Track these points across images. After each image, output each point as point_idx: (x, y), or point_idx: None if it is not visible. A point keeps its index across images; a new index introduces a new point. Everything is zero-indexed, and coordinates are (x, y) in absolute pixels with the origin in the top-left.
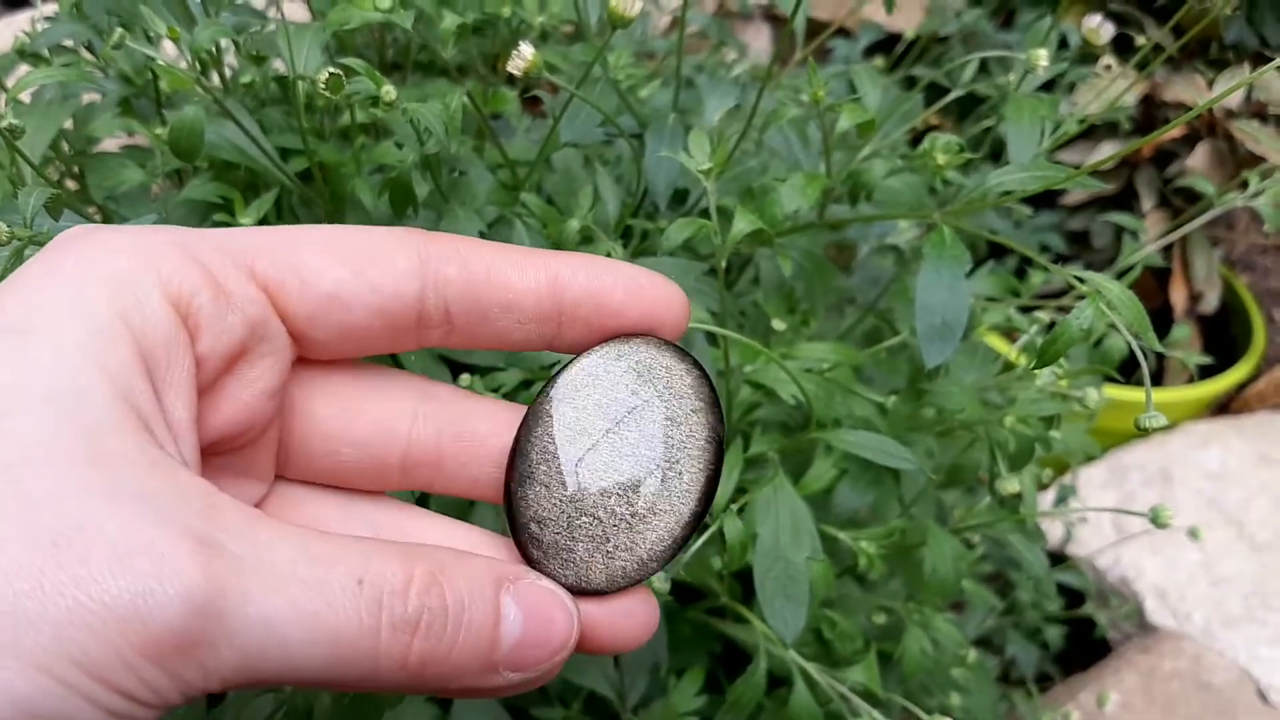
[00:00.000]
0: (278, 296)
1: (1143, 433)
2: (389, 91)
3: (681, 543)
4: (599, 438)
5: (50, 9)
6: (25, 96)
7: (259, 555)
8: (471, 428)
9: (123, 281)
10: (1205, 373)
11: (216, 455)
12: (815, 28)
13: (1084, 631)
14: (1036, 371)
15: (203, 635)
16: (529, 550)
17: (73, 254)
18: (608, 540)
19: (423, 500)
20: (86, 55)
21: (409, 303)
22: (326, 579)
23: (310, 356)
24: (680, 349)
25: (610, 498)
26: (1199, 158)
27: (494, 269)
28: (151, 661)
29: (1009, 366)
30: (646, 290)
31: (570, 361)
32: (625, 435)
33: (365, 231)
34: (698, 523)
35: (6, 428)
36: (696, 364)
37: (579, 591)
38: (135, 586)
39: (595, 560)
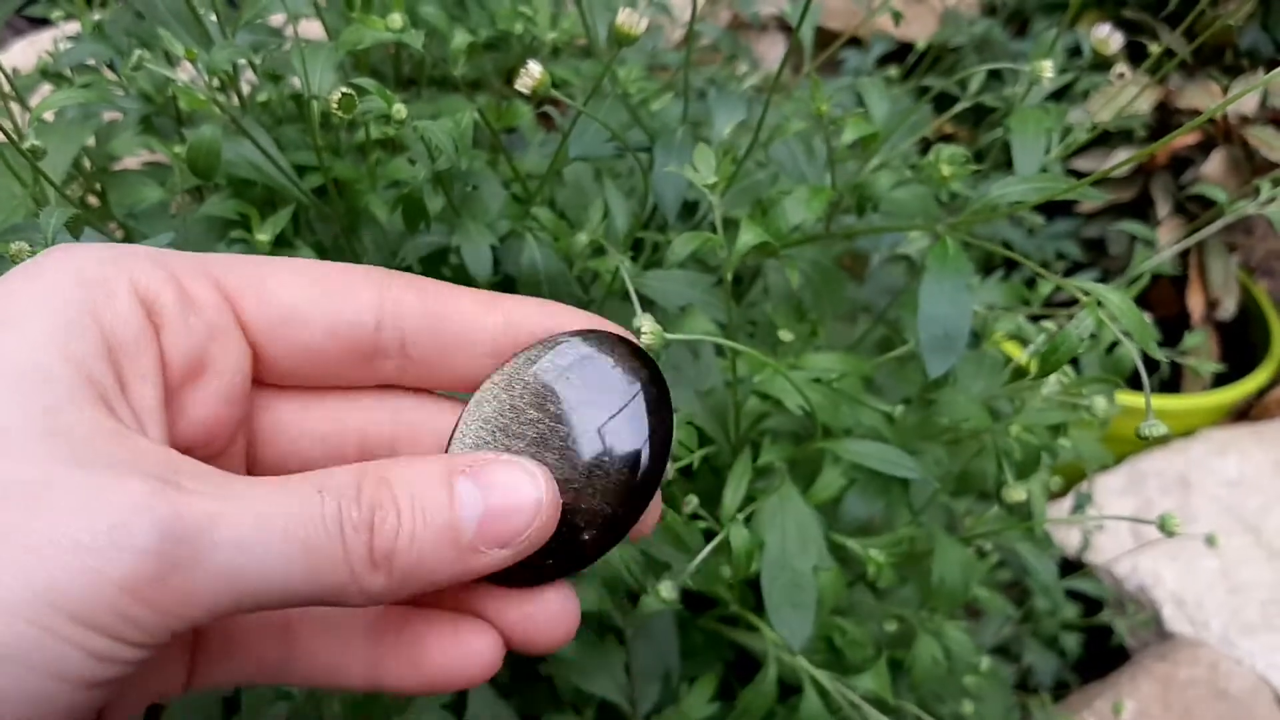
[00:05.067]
0: (238, 305)
1: (1144, 441)
2: (399, 110)
3: (612, 543)
4: (527, 433)
5: (72, 28)
6: (48, 116)
7: (222, 490)
8: (423, 419)
9: (94, 281)
10: (1223, 379)
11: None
12: (827, 38)
13: (1101, 639)
14: (1043, 380)
15: (177, 562)
16: None
17: (51, 261)
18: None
19: None
20: (108, 74)
21: (367, 329)
22: (289, 496)
23: (267, 376)
24: (604, 336)
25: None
26: (1214, 165)
27: (451, 303)
28: (130, 595)
29: (1018, 375)
30: None
31: (504, 363)
32: (552, 430)
33: (331, 264)
34: (634, 519)
35: None
36: (635, 350)
37: (505, 583)
38: (105, 523)
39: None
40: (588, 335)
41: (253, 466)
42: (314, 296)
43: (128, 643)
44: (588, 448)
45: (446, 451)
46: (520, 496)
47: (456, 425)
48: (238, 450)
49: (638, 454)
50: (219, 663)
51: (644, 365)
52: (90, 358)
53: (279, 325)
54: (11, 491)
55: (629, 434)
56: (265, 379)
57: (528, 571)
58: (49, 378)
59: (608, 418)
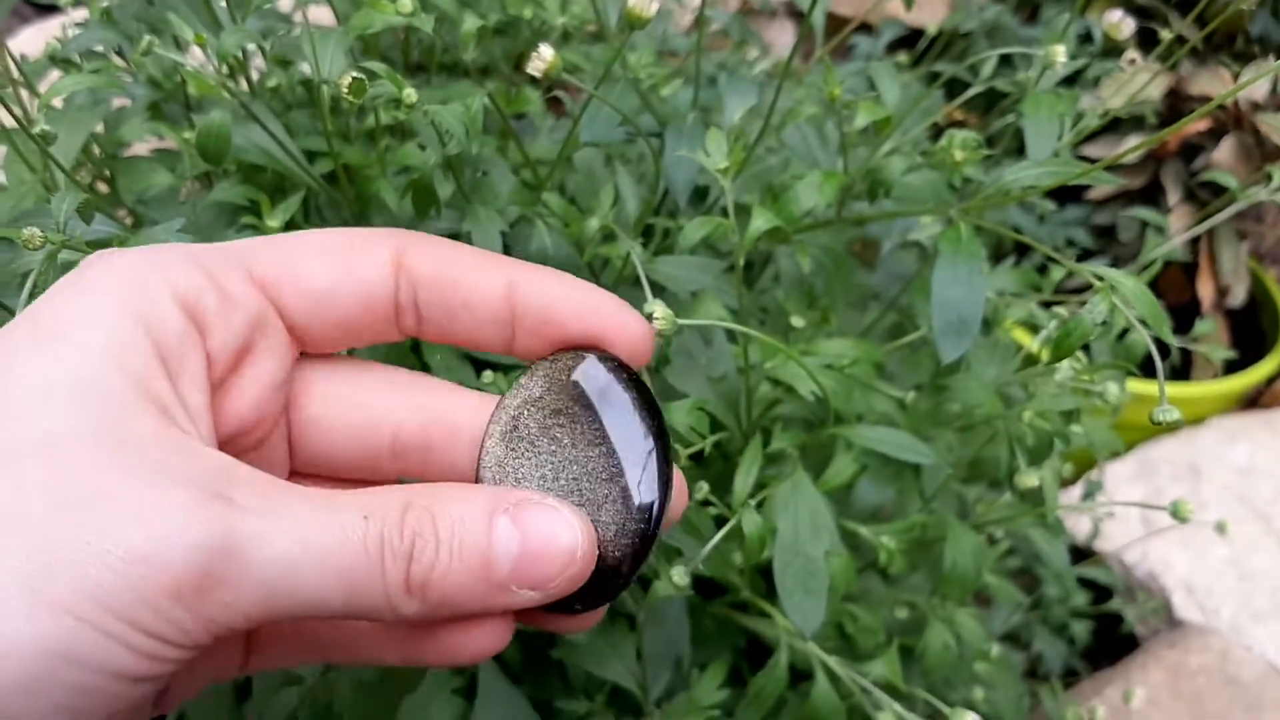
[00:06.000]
0: (275, 295)
1: (1158, 426)
2: (410, 94)
3: (646, 551)
4: (556, 462)
5: (81, 15)
6: (57, 101)
7: (272, 505)
8: (452, 417)
9: (139, 290)
10: (1234, 367)
11: (234, 450)
12: (837, 24)
13: (1111, 627)
14: (1055, 366)
15: (221, 575)
16: None
17: (95, 272)
18: None
19: None
20: (117, 61)
21: (386, 293)
22: (335, 518)
23: (308, 349)
24: (620, 364)
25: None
26: (1225, 152)
27: (460, 270)
28: (174, 601)
29: (1030, 361)
30: (599, 313)
31: (523, 372)
32: (572, 460)
33: (347, 230)
34: (648, 547)
35: (39, 419)
36: (635, 380)
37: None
38: (155, 533)
39: None
40: (602, 357)
41: (294, 451)
42: (340, 274)
43: (171, 643)
44: (616, 473)
45: (478, 461)
46: (557, 544)
47: (485, 439)
48: (279, 438)
49: (663, 485)
50: (273, 647)
51: (635, 383)
52: (145, 368)
53: (314, 307)
54: (71, 501)
55: (648, 458)
56: (303, 350)
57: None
58: (107, 391)
59: (633, 448)
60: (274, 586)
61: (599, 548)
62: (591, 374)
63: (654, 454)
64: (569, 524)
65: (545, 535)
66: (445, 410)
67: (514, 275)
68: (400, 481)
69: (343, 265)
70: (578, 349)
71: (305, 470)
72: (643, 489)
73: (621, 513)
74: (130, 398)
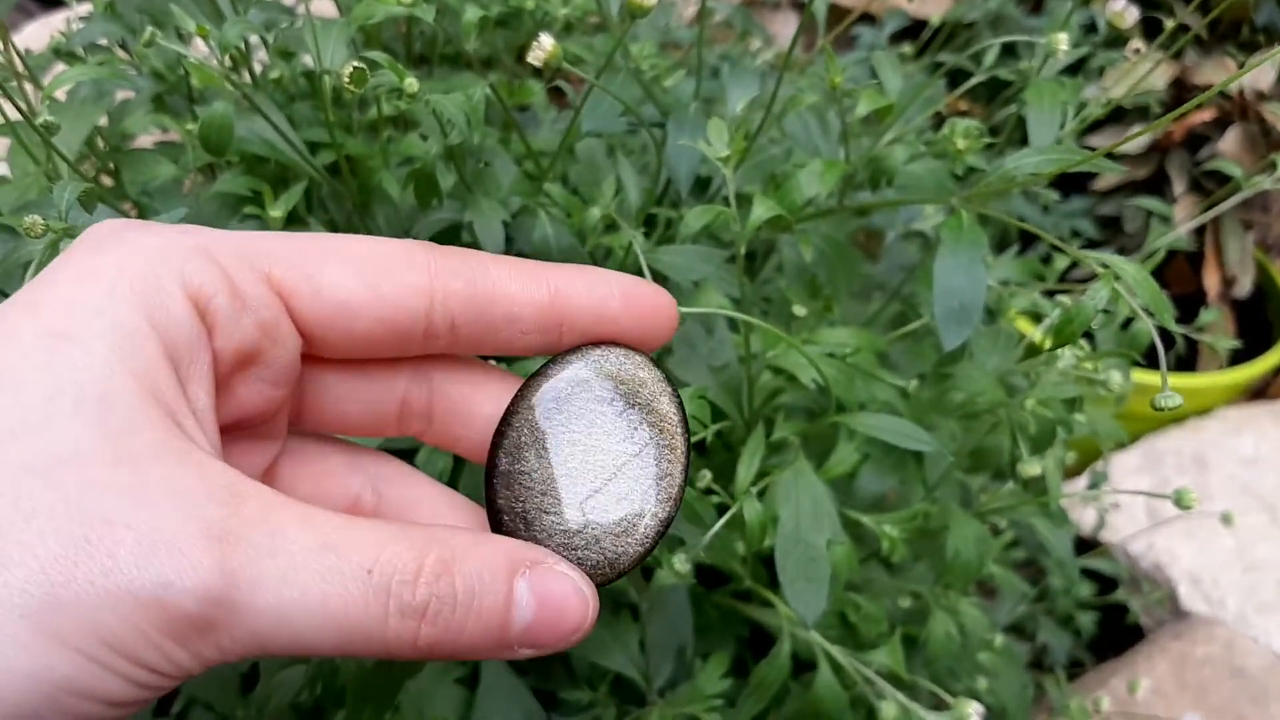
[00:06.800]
0: (290, 301)
1: (1164, 417)
2: (411, 84)
3: (648, 553)
4: (579, 455)
5: (85, 9)
6: (61, 94)
7: (274, 544)
8: (460, 390)
9: (150, 284)
10: (1239, 357)
11: (232, 429)
12: (840, 14)
13: (1117, 618)
14: (1058, 353)
15: (217, 621)
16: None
17: (104, 256)
18: (576, 550)
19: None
20: (120, 53)
21: (416, 316)
22: (337, 568)
23: (319, 353)
24: (650, 360)
25: (589, 516)
26: (1230, 142)
27: (499, 284)
28: (172, 641)
29: (1032, 351)
30: (641, 299)
31: (547, 366)
32: (604, 457)
33: (378, 243)
34: (666, 530)
35: (45, 432)
36: (666, 375)
37: None
38: (157, 578)
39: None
40: (632, 355)
41: (300, 414)
42: (364, 289)
43: (165, 675)
44: (638, 471)
45: (494, 448)
46: (568, 615)
47: (517, 408)
48: (282, 415)
49: (680, 470)
50: None
51: (666, 378)
52: (153, 371)
53: (330, 318)
54: (77, 532)
55: (670, 453)
56: (314, 355)
57: None
58: (114, 399)
59: (656, 440)
60: (270, 632)
61: (602, 552)
62: (640, 375)
63: (679, 468)
64: (580, 594)
65: (559, 605)
66: (454, 384)
67: (556, 280)
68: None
69: (369, 281)
70: (609, 343)
71: (315, 429)
72: (658, 496)
73: (633, 514)
74: (137, 404)
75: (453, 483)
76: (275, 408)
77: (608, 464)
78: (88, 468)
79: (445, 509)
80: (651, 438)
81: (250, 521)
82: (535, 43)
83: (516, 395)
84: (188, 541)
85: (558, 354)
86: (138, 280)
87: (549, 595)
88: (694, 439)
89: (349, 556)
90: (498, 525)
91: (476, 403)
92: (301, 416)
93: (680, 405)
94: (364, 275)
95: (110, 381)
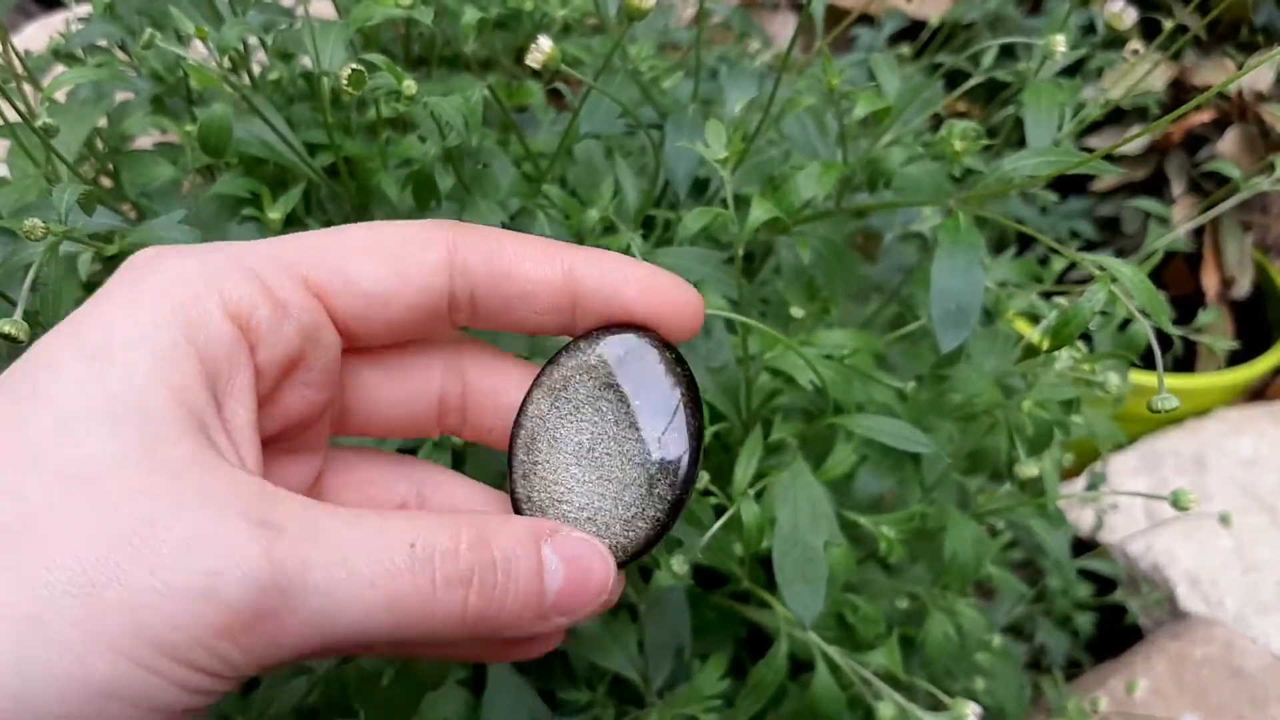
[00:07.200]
0: (326, 299)
1: (1163, 418)
2: (409, 86)
3: (658, 538)
4: (587, 444)
5: (84, 10)
6: (60, 96)
7: (317, 533)
8: (488, 382)
9: (189, 303)
10: (1238, 358)
11: (278, 441)
12: (839, 15)
13: (1115, 618)
14: (1056, 355)
15: (269, 610)
16: None
17: (146, 280)
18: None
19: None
20: (120, 55)
21: (440, 293)
22: (381, 546)
23: (355, 346)
24: (664, 343)
25: (598, 504)
26: (1229, 143)
27: (514, 262)
28: (223, 638)
29: (1029, 352)
30: (659, 290)
31: (560, 353)
32: (611, 436)
33: (401, 226)
34: (673, 522)
35: (84, 444)
36: (679, 359)
37: None
38: (205, 569)
39: None
40: (646, 339)
41: (338, 428)
42: (392, 275)
43: (219, 677)
44: (645, 457)
45: (512, 440)
46: (593, 577)
47: (531, 395)
48: (324, 424)
49: (688, 458)
50: None
51: (678, 362)
52: (190, 388)
53: (365, 310)
54: (118, 535)
55: (677, 440)
56: (350, 347)
57: None
58: (151, 413)
59: (663, 427)
60: (321, 619)
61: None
62: (648, 359)
63: (686, 454)
64: (601, 556)
65: (584, 566)
66: (486, 378)
67: (571, 261)
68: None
69: (395, 267)
70: (625, 326)
71: (350, 432)
72: (667, 483)
73: (642, 500)
74: (174, 418)
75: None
76: (319, 412)
77: (614, 451)
78: (126, 475)
79: (491, 506)
80: (657, 425)
81: (290, 515)
82: (534, 45)
83: (532, 384)
84: (233, 534)
85: (575, 338)
86: (177, 302)
87: (574, 557)
88: None
89: (391, 535)
90: (518, 514)
91: (504, 393)
92: (345, 424)
93: (691, 392)
94: (390, 262)
95: (148, 395)
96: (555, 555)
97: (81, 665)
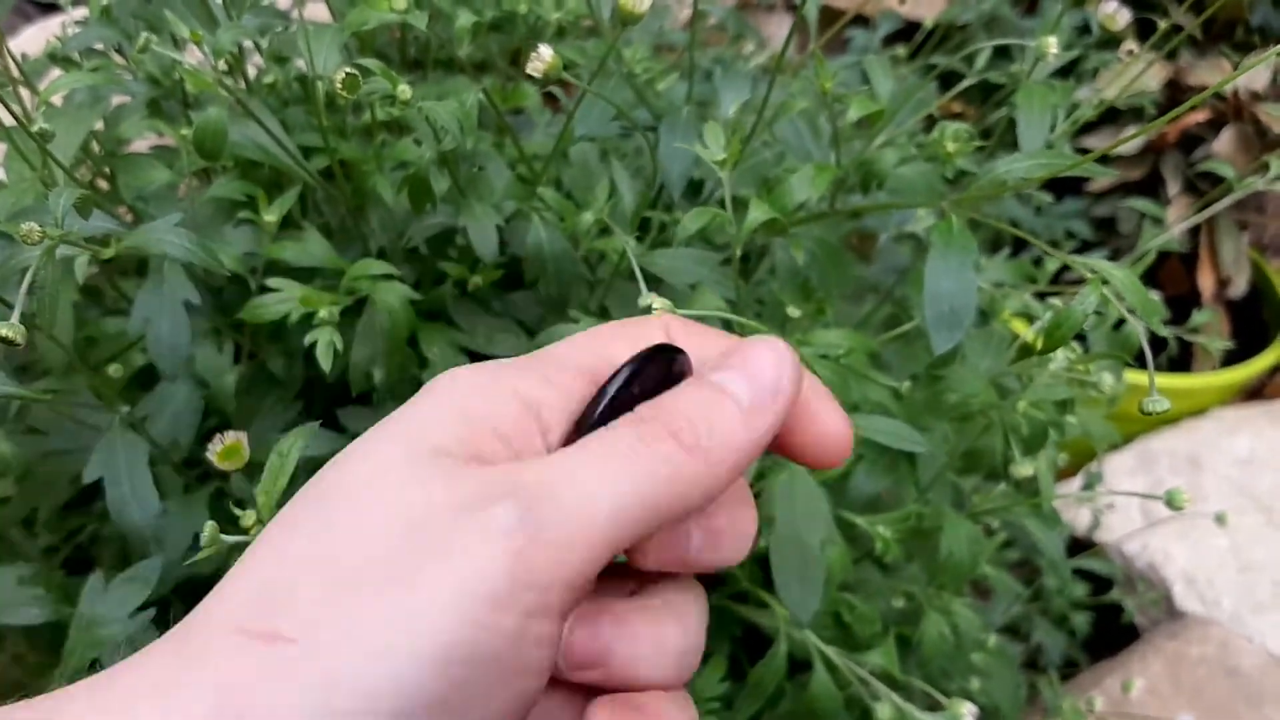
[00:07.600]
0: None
1: (1149, 417)
2: (404, 90)
3: None
4: None
5: (80, 14)
6: (57, 100)
7: (555, 460)
8: (725, 517)
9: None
10: (1234, 358)
11: None
12: (833, 16)
13: (1111, 618)
14: (1051, 355)
15: (539, 522)
16: None
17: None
18: None
19: None
20: (116, 58)
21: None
22: (611, 440)
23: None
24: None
25: None
26: (1225, 142)
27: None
28: (517, 562)
29: (1024, 352)
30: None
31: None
32: None
33: (627, 323)
34: None
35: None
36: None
37: None
38: (476, 523)
39: None
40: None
41: None
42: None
43: (539, 614)
44: None
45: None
46: (763, 357)
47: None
48: None
49: None
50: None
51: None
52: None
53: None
54: (416, 527)
55: None
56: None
57: None
58: (435, 447)
59: None
60: (586, 512)
61: None
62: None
63: None
64: (769, 342)
65: (750, 355)
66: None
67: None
68: None
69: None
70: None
71: None
72: None
73: None
74: (445, 446)
75: None
76: None
77: None
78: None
79: None
80: None
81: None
82: (534, 54)
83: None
84: (485, 476)
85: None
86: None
87: (745, 355)
88: None
89: (614, 430)
90: None
91: (744, 521)
92: None
93: None
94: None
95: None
96: (723, 370)
97: (445, 618)
